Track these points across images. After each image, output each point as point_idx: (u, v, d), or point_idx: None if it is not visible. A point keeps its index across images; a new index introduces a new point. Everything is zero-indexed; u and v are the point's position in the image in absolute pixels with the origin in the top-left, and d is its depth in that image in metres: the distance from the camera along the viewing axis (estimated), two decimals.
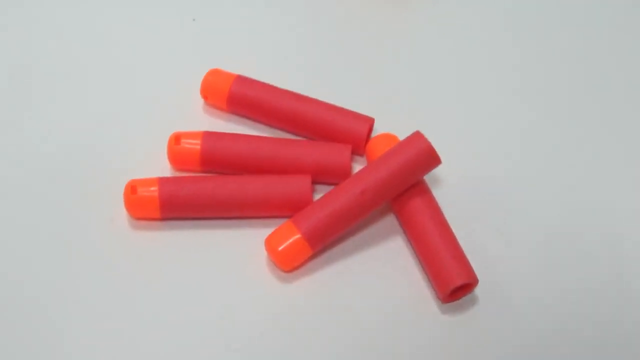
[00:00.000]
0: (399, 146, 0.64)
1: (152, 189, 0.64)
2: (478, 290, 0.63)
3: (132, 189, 0.64)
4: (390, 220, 0.67)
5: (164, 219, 0.65)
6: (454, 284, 0.61)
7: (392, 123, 0.71)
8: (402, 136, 0.67)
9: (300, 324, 0.61)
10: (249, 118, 0.72)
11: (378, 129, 0.71)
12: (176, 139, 0.67)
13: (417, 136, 0.64)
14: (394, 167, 0.63)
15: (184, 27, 0.79)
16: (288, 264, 0.63)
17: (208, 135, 0.67)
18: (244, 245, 0.65)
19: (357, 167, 0.69)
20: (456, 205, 0.67)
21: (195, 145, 0.66)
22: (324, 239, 0.63)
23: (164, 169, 0.69)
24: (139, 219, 0.66)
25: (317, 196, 0.67)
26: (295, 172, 0.66)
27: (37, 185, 0.67)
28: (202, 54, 0.77)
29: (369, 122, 0.69)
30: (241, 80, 0.71)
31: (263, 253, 0.64)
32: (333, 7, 0.81)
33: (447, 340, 0.61)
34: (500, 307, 0.63)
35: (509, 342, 0.61)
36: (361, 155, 0.70)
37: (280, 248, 0.62)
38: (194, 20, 0.79)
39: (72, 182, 0.68)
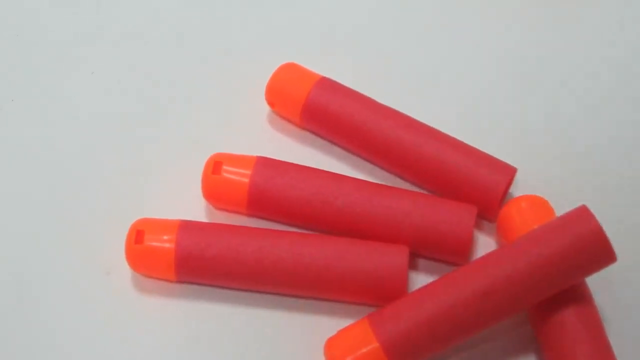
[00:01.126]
0: (551, 228, 0.42)
1: (166, 237, 0.44)
2: None
3: (137, 235, 0.44)
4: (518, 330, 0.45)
5: (179, 281, 0.45)
6: None
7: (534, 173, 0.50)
8: (549, 197, 0.47)
9: None
10: (330, 141, 0.51)
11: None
12: (215, 165, 0.46)
13: (583, 215, 0.42)
14: (544, 259, 0.41)
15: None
16: None
17: (263, 164, 0.46)
18: (291, 339, 0.45)
19: (482, 240, 0.48)
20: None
21: (242, 177, 0.46)
22: (417, 358, 0.42)
23: (195, 206, 0.49)
24: (144, 275, 0.46)
25: (413, 280, 0.46)
26: (385, 239, 0.45)
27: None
28: (267, 40, 0.56)
29: (509, 174, 0.47)
30: (327, 84, 0.50)
31: (319, 357, 0.44)
32: None
33: None
34: None
35: None
36: (490, 221, 0.48)
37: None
38: None
39: (58, 218, 0.49)
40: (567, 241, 0.41)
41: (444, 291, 0.41)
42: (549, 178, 0.50)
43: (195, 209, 0.48)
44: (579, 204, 0.43)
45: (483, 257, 0.42)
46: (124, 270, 0.46)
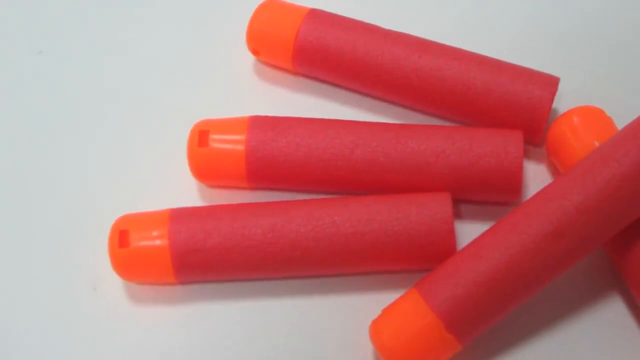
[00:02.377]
0: (623, 139, 0.35)
1: (156, 233, 0.37)
2: None
3: (121, 236, 0.37)
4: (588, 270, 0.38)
5: (181, 283, 0.38)
6: None
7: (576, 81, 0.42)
8: (607, 109, 0.39)
9: None
10: (332, 83, 0.43)
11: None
12: (201, 135, 0.39)
13: None
14: (620, 178, 0.34)
15: None
16: None
17: (259, 125, 0.39)
18: (327, 328, 0.38)
19: (532, 170, 0.40)
20: None
21: (235, 144, 0.38)
22: (480, 324, 0.35)
23: (185, 189, 0.41)
24: (139, 283, 0.39)
25: (461, 233, 0.38)
26: (420, 188, 0.37)
27: None
28: None
29: (552, 85, 0.39)
30: (317, 16, 0.42)
31: (366, 347, 0.36)
32: None
33: None
34: None
35: None
36: (537, 145, 0.40)
37: (401, 341, 0.34)
38: None
39: (25, 229, 0.41)
40: None
41: (503, 240, 0.34)
42: (595, 85, 0.42)
43: (186, 192, 0.41)
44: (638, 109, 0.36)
45: (542, 191, 0.35)
46: (114, 281, 0.38)
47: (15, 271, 0.40)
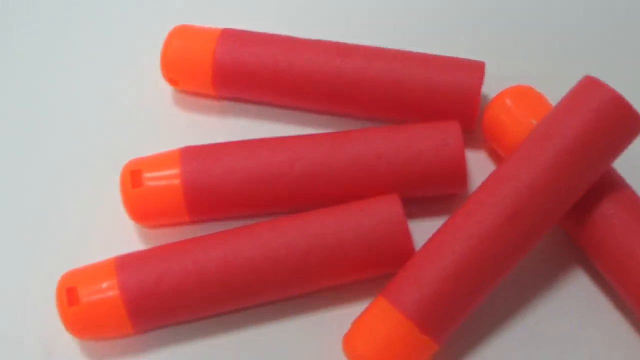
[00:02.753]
0: (563, 112, 0.35)
1: (106, 285, 0.35)
2: None
3: (69, 294, 0.35)
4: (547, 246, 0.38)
5: (138, 332, 0.36)
6: None
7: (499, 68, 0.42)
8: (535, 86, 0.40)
9: None
10: (257, 102, 0.42)
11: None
12: (134, 176, 0.37)
13: (592, 86, 0.35)
14: (569, 157, 0.34)
15: None
16: None
17: (191, 156, 0.37)
18: (296, 353, 0.37)
19: (473, 157, 0.40)
20: None
21: (171, 179, 0.37)
22: (453, 321, 0.34)
23: (126, 234, 0.39)
24: (95, 339, 0.37)
25: (414, 229, 0.37)
26: (365, 194, 0.37)
27: None
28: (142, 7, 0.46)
29: (480, 70, 0.39)
30: (232, 36, 0.41)
31: None
32: None
33: None
34: None
35: None
36: (472, 132, 0.40)
37: (376, 351, 0.34)
38: None
39: None
40: (585, 120, 0.34)
41: (461, 232, 0.34)
42: (517, 65, 0.42)
43: (126, 236, 0.39)
44: (563, 88, 0.36)
45: (491, 177, 0.35)
46: (69, 341, 0.37)
47: None
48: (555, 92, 0.38)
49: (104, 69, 0.44)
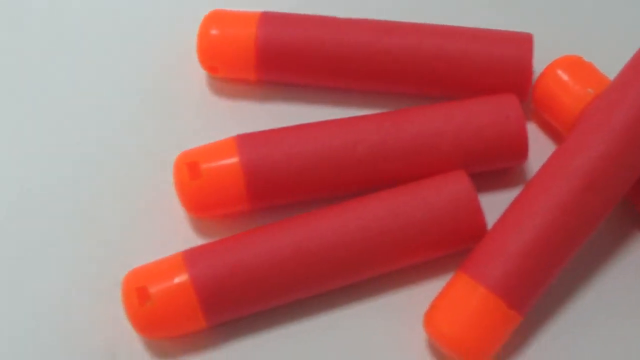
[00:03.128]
0: (625, 82, 0.35)
1: (177, 280, 0.34)
2: None
3: (138, 293, 0.34)
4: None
5: (210, 326, 0.35)
6: None
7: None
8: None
9: None
10: (298, 85, 0.41)
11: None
12: (190, 167, 0.36)
13: None
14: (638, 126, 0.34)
15: None
16: (482, 350, 0.34)
17: (248, 143, 0.37)
18: (372, 343, 0.36)
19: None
20: None
21: (231, 168, 0.36)
22: (535, 293, 0.35)
23: (175, 227, 0.39)
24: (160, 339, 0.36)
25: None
26: (426, 174, 0.37)
27: None
28: None
29: (528, 41, 0.39)
30: (273, 17, 0.40)
31: (418, 346, 0.36)
32: None
33: None
34: None
35: None
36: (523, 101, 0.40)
37: (460, 326, 0.34)
38: None
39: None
40: None
41: (538, 205, 0.34)
42: (561, 35, 0.42)
43: (180, 231, 0.38)
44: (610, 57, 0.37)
45: (560, 149, 0.36)
46: (133, 342, 0.36)
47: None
48: (602, 62, 0.38)
49: (134, 63, 0.43)
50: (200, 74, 0.42)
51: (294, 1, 0.43)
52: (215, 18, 0.40)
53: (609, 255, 0.37)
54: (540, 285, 0.34)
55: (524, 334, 0.36)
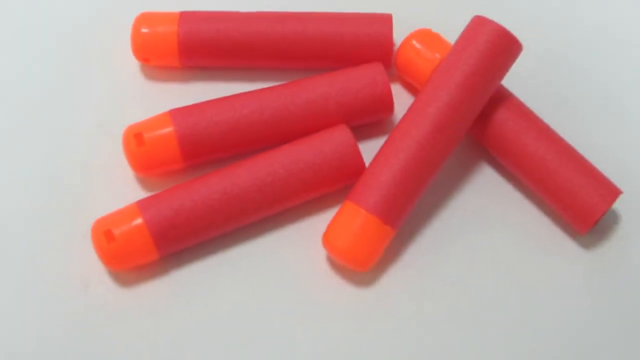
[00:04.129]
0: (461, 47, 0.47)
1: (134, 223, 0.45)
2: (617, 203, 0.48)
3: (106, 235, 0.45)
4: (461, 149, 0.50)
5: (162, 257, 0.46)
6: (598, 210, 0.46)
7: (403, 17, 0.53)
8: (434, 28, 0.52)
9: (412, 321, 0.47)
10: (214, 68, 0.52)
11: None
12: (136, 137, 0.47)
13: (481, 23, 0.47)
14: (471, 80, 0.46)
15: None
16: (365, 259, 0.46)
17: (180, 115, 0.47)
18: (285, 260, 0.48)
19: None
20: (541, 96, 0.51)
21: (168, 136, 0.47)
22: (404, 211, 0.46)
23: (126, 183, 0.49)
24: (124, 270, 0.47)
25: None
26: (318, 128, 0.48)
27: None
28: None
29: (388, 21, 0.51)
30: (190, 17, 0.51)
31: (319, 260, 0.47)
32: None
33: (597, 278, 0.48)
34: None
35: None
36: (387, 68, 0.51)
37: (348, 241, 0.45)
38: None
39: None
40: (480, 49, 0.46)
41: (402, 144, 0.45)
42: (419, 14, 0.53)
43: (133, 187, 0.48)
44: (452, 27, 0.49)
45: (416, 102, 0.47)
46: (102, 275, 0.46)
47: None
48: (447, 32, 0.50)
49: (79, 56, 0.53)
50: (135, 63, 0.52)
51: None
52: (144, 19, 0.50)
53: (459, 179, 0.49)
54: (407, 206, 0.46)
55: (396, 244, 0.47)
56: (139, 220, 0.45)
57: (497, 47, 0.46)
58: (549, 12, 0.54)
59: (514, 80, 0.49)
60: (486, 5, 0.53)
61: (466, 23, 0.48)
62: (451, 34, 0.49)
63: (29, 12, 0.54)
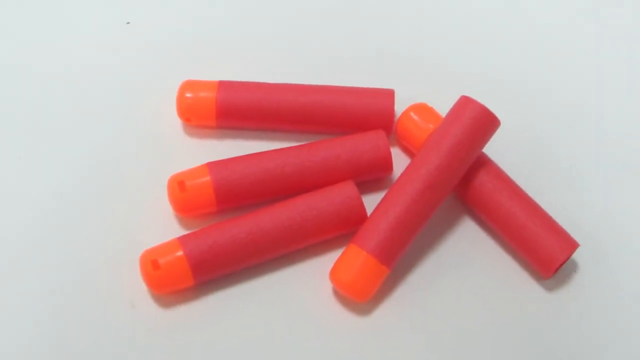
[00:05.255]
0: (450, 120, 0.57)
1: (177, 254, 0.55)
2: (576, 254, 0.58)
3: (152, 264, 0.55)
4: (447, 204, 0.60)
5: (196, 284, 0.56)
6: (558, 259, 0.55)
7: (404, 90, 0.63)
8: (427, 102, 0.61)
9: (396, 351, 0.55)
10: (245, 128, 0.62)
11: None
12: (179, 184, 0.57)
13: (466, 102, 0.57)
14: (457, 148, 0.55)
15: (119, 32, 0.67)
16: (364, 292, 0.55)
17: (216, 167, 0.57)
18: (299, 291, 0.57)
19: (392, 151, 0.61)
20: (516, 163, 0.61)
21: (205, 184, 0.57)
22: (398, 253, 0.56)
23: (168, 221, 0.59)
24: (166, 294, 0.57)
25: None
26: (330, 182, 0.58)
27: None
28: (151, 67, 0.66)
29: (391, 95, 0.61)
30: (227, 85, 0.61)
31: (327, 291, 0.57)
32: None
33: (558, 315, 0.57)
34: (604, 267, 0.59)
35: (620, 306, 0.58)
36: (388, 134, 0.61)
37: (351, 277, 0.55)
38: (128, 23, 0.67)
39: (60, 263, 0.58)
40: (465, 124, 0.55)
41: (398, 198, 0.55)
42: (417, 90, 0.63)
43: (174, 226, 0.58)
44: (446, 103, 0.58)
45: (411, 164, 0.56)
46: (147, 296, 0.56)
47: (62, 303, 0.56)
48: (440, 106, 0.60)
49: (134, 114, 0.63)
50: (179, 122, 0.62)
51: (243, 71, 0.63)
52: (188, 85, 0.61)
53: (445, 229, 0.58)
54: (400, 249, 0.55)
55: (390, 281, 0.57)
56: (179, 253, 0.54)
57: (478, 122, 0.56)
58: (527, 92, 0.64)
59: (493, 148, 0.58)
60: (472, 84, 0.63)
61: (455, 99, 0.57)
62: (443, 105, 0.59)
63: (93, 71, 0.65)
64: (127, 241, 0.57)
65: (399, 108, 0.61)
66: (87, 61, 0.65)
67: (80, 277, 0.56)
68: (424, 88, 0.63)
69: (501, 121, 0.56)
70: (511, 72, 0.65)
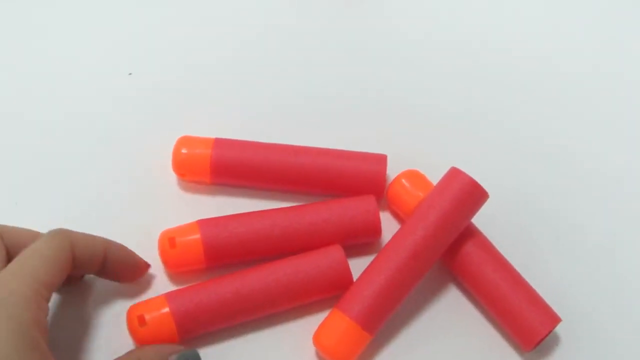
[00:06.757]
0: (438, 191, 0.58)
1: (163, 311, 0.56)
2: (559, 327, 0.59)
3: (139, 319, 0.56)
4: (433, 272, 0.61)
5: (181, 341, 0.57)
6: (539, 334, 0.57)
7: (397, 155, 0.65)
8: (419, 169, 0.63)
9: None
10: (238, 186, 0.64)
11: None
12: (170, 240, 0.58)
13: (455, 174, 0.58)
14: (444, 219, 0.57)
15: (119, 84, 0.69)
16: (346, 357, 0.56)
17: (206, 225, 0.59)
18: (282, 351, 0.58)
19: (382, 215, 0.62)
20: (503, 236, 0.62)
21: (195, 241, 0.58)
22: (381, 321, 0.57)
23: (159, 275, 0.60)
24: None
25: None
26: (318, 245, 0.59)
27: None
28: (149, 119, 0.68)
29: (384, 160, 0.62)
30: (222, 143, 0.62)
31: (310, 353, 0.58)
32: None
33: None
34: (586, 340, 0.60)
35: None
36: (379, 199, 0.62)
37: (333, 342, 0.56)
38: (130, 74, 0.69)
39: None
40: (452, 195, 0.57)
41: (384, 265, 0.56)
42: (410, 155, 0.65)
43: (164, 281, 0.59)
44: (436, 170, 0.60)
45: (399, 232, 0.58)
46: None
47: None
48: (431, 173, 0.61)
49: (127, 168, 0.64)
50: (173, 177, 0.63)
51: (237, 128, 0.65)
52: (184, 141, 0.62)
53: (429, 297, 0.60)
54: (383, 316, 0.56)
55: (373, 346, 0.58)
56: (166, 309, 0.55)
57: (466, 194, 0.57)
58: (519, 160, 0.66)
59: (481, 219, 0.59)
60: (463, 154, 0.65)
61: (448, 164, 0.59)
62: (434, 171, 0.60)
63: (91, 120, 0.67)
64: (117, 294, 0.59)
65: (392, 169, 0.63)
66: (85, 109, 0.68)
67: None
68: (416, 153, 0.66)
69: (491, 189, 0.58)
70: (505, 140, 0.67)
